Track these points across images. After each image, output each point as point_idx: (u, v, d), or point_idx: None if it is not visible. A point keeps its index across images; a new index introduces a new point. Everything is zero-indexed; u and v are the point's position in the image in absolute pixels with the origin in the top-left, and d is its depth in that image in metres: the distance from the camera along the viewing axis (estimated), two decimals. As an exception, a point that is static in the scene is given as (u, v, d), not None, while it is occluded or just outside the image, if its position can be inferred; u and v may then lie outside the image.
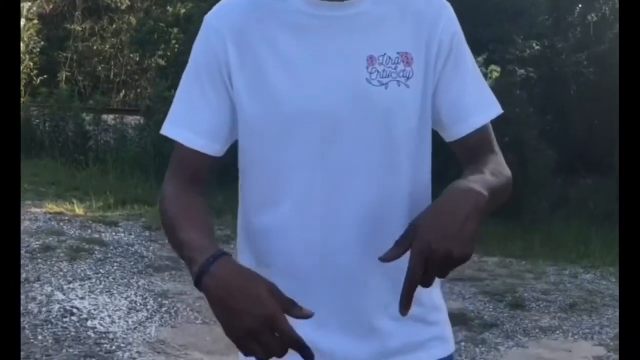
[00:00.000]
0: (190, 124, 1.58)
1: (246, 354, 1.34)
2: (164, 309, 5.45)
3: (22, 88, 13.73)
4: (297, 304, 1.32)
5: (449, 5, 1.63)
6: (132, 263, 6.52)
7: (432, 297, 1.64)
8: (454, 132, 1.62)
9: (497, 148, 1.64)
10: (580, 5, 11.54)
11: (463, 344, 5.06)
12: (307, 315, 1.32)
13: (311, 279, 1.53)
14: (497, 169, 1.55)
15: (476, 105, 1.62)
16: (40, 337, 4.74)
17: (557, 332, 5.50)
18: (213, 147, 1.59)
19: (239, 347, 1.34)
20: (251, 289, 1.32)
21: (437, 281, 1.58)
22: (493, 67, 9.36)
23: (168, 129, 1.60)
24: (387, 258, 1.39)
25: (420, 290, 1.40)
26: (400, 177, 1.56)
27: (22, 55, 13.70)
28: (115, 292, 5.74)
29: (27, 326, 4.89)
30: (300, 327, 1.39)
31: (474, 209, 1.37)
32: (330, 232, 1.52)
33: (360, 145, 1.52)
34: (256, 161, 1.57)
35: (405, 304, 1.38)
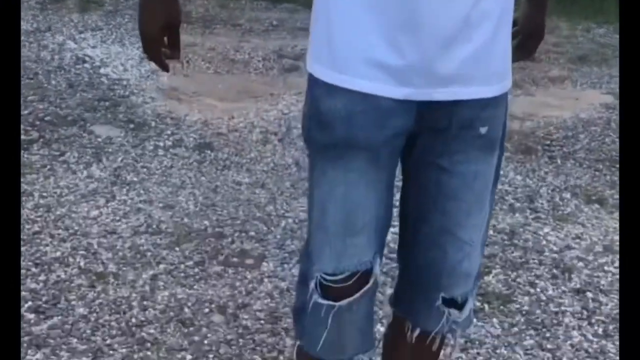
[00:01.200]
0: None
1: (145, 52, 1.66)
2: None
3: None
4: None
5: None
6: (143, 15, 6.47)
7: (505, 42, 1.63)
8: None
9: None
10: None
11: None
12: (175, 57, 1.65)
13: None
14: None
15: None
16: (53, 82, 4.82)
17: (566, 82, 5.54)
18: None
19: (143, 43, 1.64)
20: None
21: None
22: None
23: None
24: None
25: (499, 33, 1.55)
26: None
27: None
28: (127, 42, 5.75)
29: (40, 72, 4.96)
30: (370, 40, 1.49)
31: None
32: None
33: None
34: None
35: None
